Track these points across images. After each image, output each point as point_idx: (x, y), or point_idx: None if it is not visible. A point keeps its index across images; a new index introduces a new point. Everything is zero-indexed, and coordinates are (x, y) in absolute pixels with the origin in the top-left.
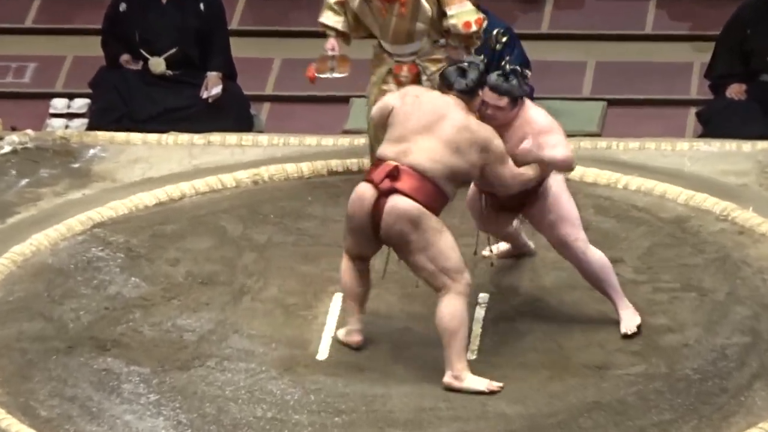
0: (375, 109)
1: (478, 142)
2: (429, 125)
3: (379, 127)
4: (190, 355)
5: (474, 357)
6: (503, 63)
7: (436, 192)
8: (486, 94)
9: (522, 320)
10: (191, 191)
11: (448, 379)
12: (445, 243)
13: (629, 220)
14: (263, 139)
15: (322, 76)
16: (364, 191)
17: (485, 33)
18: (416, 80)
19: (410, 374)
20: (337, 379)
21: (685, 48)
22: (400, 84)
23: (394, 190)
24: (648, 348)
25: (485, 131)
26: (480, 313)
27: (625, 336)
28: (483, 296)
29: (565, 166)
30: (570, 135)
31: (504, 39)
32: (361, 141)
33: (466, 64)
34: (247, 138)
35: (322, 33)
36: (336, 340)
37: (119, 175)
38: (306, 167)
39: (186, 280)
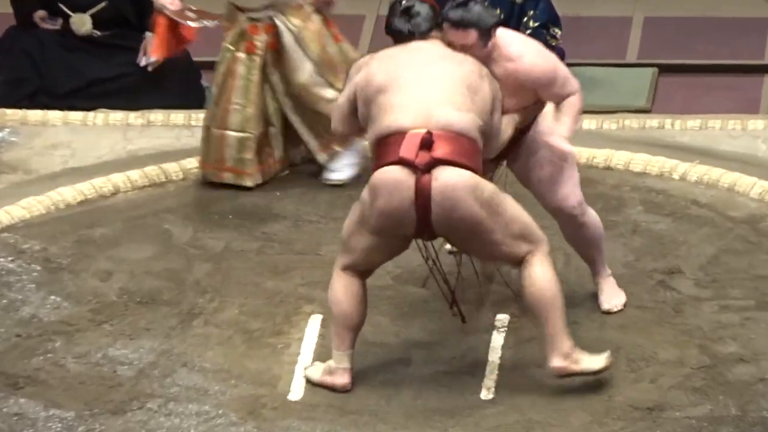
0: (343, 98)
1: (483, 69)
2: (431, 74)
3: (349, 117)
4: (125, 395)
5: (491, 396)
6: (525, 19)
7: (476, 149)
8: (449, 33)
9: None
10: (126, 185)
11: (559, 363)
12: (510, 204)
13: (689, 219)
14: None
15: (194, 25)
16: (397, 176)
17: None
18: (276, 45)
19: (408, 419)
20: (314, 424)
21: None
22: (251, 51)
23: (438, 162)
24: (713, 383)
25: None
26: (498, 339)
27: (608, 313)
28: (501, 318)
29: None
30: (611, 111)
31: None
32: None
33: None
34: (198, 116)
35: None
36: (311, 381)
37: (34, 164)
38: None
39: (120, 298)
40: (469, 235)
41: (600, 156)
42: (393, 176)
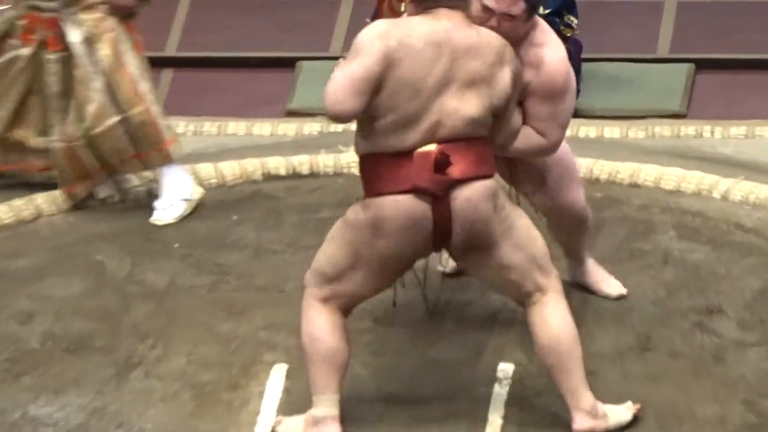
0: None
1: (507, 51)
2: (445, 74)
3: (363, 96)
4: None
5: None
6: None
7: (486, 147)
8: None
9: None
10: (51, 207)
11: (585, 423)
12: (525, 223)
13: (732, 247)
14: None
15: None
16: (412, 209)
17: None
18: (57, 44)
19: None
20: None
21: None
22: (28, 40)
23: (457, 183)
24: None
25: (500, 37)
26: (500, 392)
27: (621, 297)
28: (504, 368)
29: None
30: (639, 116)
31: None
32: (315, 127)
33: None
34: None
35: None
36: None
37: None
38: (229, 169)
39: (43, 345)
40: (480, 258)
41: (624, 170)
42: (407, 210)
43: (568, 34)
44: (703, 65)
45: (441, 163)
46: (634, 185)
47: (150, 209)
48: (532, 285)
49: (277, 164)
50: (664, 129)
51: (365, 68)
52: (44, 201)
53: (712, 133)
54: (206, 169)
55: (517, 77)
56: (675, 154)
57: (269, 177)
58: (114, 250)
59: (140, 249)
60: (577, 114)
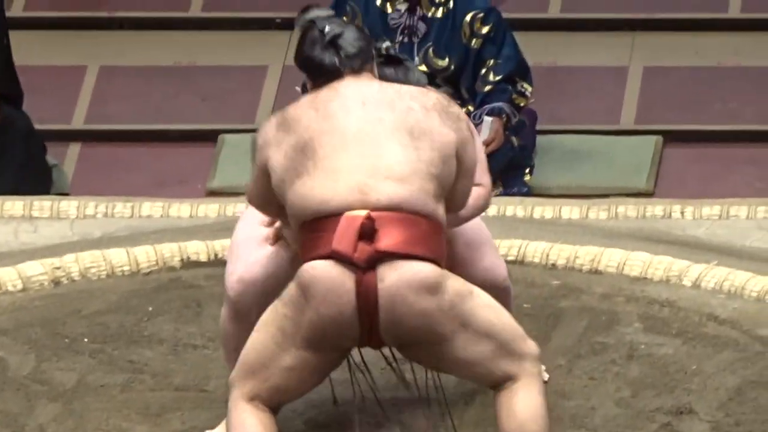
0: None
1: (441, 102)
2: (365, 129)
3: (269, 194)
4: None
5: None
6: (484, 71)
7: (434, 228)
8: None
9: None
10: None
11: None
12: (485, 305)
13: (704, 340)
14: (70, 206)
15: None
16: (332, 275)
17: (453, 18)
18: None
19: None
20: None
21: None
22: None
23: (383, 256)
24: None
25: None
26: None
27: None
28: None
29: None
30: (601, 195)
31: (485, 30)
32: (239, 207)
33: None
34: (42, 205)
35: (164, 21)
36: None
37: None
38: (144, 255)
39: None
40: (428, 352)
41: (584, 255)
42: (326, 274)
43: (522, 104)
44: (672, 137)
45: (366, 230)
46: (596, 272)
47: (56, 300)
48: (500, 373)
49: (197, 249)
50: (628, 209)
51: (260, 170)
52: None
53: (683, 213)
54: (118, 255)
55: (461, 135)
56: (641, 237)
57: (188, 264)
58: (16, 346)
59: (46, 344)
60: (531, 192)
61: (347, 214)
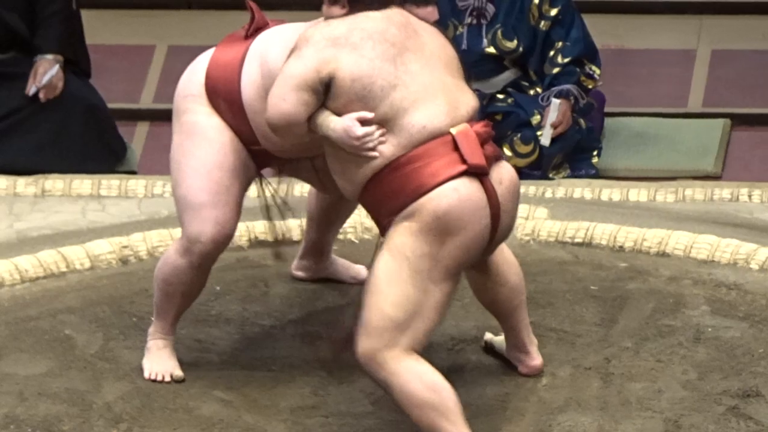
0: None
1: None
2: (427, 52)
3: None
4: None
5: None
6: (553, 53)
7: None
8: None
9: None
10: (13, 276)
11: (539, 358)
12: None
13: None
14: (138, 185)
15: None
16: (473, 191)
17: (522, 0)
18: None
19: None
20: None
21: None
22: None
23: (491, 162)
24: None
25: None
26: None
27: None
28: None
29: None
30: (669, 177)
31: (553, 12)
32: (305, 186)
33: None
34: (110, 184)
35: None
36: None
37: None
38: None
39: (5, 429)
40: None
41: (652, 238)
42: (471, 193)
43: (590, 86)
44: (739, 120)
45: (482, 137)
46: (663, 254)
47: (124, 279)
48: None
49: (264, 229)
50: (696, 192)
51: (310, 88)
52: (5, 269)
53: (750, 196)
54: None
55: None
56: (708, 220)
57: (255, 243)
58: (84, 324)
59: (113, 323)
60: (599, 175)
61: (455, 130)
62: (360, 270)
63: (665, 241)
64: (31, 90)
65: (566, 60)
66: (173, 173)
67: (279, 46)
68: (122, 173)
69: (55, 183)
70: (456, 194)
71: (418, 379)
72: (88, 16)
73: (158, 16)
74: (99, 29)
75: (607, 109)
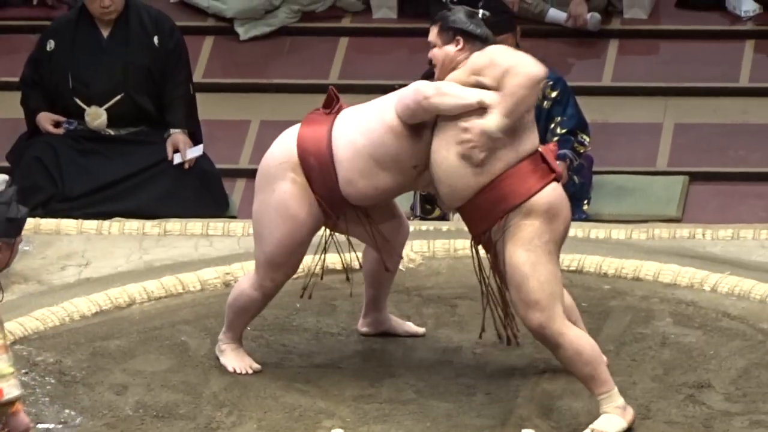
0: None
1: None
2: None
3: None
4: None
5: None
6: (553, 125)
7: None
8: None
9: None
10: (142, 296)
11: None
12: None
13: (719, 332)
14: (237, 227)
15: None
16: (559, 188)
17: None
18: None
19: None
20: None
21: None
22: None
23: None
24: None
25: None
26: None
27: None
28: None
29: None
30: (641, 220)
31: (554, 94)
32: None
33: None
34: (216, 226)
35: (308, 87)
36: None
37: (47, 275)
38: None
39: (136, 412)
40: None
41: (629, 267)
42: (561, 192)
43: (582, 151)
44: (696, 177)
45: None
46: (637, 279)
47: (226, 298)
48: None
49: (334, 260)
50: (662, 231)
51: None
52: (136, 290)
53: (704, 235)
54: None
55: None
56: (672, 253)
57: (327, 271)
58: (196, 332)
59: (218, 331)
60: (589, 218)
61: (540, 148)
62: (410, 326)
63: (639, 269)
64: (176, 160)
65: (563, 131)
66: (258, 227)
67: (368, 113)
68: (225, 218)
69: (174, 225)
70: (555, 191)
71: (584, 338)
72: (198, 97)
73: (252, 98)
74: (207, 107)
75: (595, 169)
